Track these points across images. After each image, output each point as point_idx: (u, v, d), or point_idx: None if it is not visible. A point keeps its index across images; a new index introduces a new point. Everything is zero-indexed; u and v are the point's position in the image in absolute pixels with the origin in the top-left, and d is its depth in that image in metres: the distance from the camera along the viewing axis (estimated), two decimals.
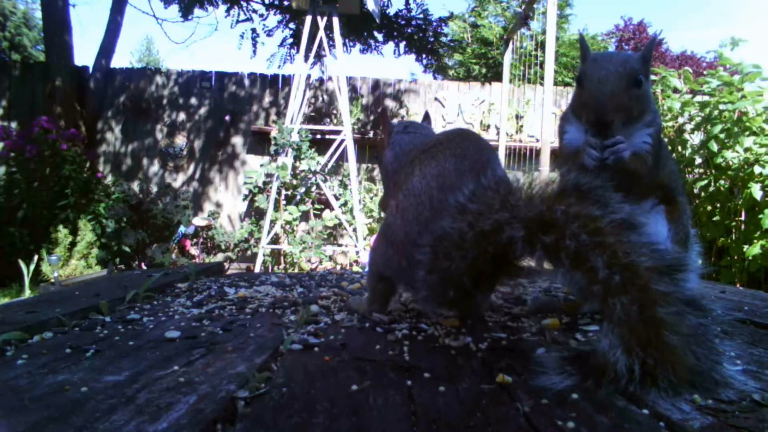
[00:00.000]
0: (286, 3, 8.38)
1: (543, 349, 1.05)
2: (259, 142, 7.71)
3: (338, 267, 6.57)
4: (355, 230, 6.43)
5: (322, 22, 6.27)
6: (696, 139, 4.56)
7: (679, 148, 4.51)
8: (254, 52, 8.71)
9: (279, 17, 8.72)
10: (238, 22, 8.62)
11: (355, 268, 6.05)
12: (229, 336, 1.17)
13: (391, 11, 8.64)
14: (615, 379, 0.82)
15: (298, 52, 6.96)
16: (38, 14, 15.54)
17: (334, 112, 7.76)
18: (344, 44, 8.09)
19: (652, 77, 4.70)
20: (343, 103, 6.34)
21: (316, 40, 6.33)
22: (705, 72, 4.55)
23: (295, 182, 6.66)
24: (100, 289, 1.76)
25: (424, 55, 8.99)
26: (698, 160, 4.44)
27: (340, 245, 7.20)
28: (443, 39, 9.41)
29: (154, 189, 7.61)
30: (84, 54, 13.96)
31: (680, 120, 4.60)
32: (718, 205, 4.19)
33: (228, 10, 8.49)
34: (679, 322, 0.82)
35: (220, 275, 2.35)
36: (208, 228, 7.39)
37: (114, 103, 7.77)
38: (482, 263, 1.11)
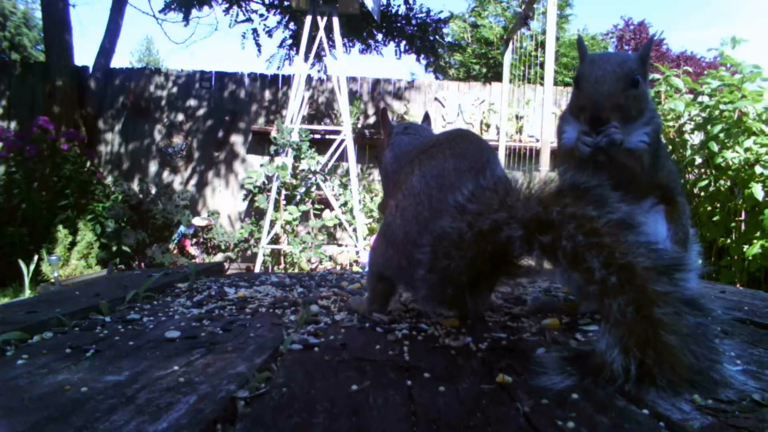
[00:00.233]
0: (286, 3, 8.38)
1: (543, 349, 1.05)
2: (259, 142, 7.71)
3: (338, 267, 6.57)
4: (355, 230, 6.43)
5: (322, 22, 6.27)
6: (696, 139, 4.56)
7: (680, 149, 4.51)
8: (259, 50, 8.72)
9: (278, 17, 8.73)
10: (236, 22, 8.62)
11: (355, 268, 6.05)
12: (229, 336, 1.17)
13: (392, 10, 8.63)
14: (611, 378, 0.82)
15: (297, 53, 6.96)
16: (38, 14, 15.55)
17: (334, 112, 7.76)
18: (344, 44, 8.09)
19: (656, 76, 4.70)
20: (343, 103, 6.34)
21: (316, 40, 6.33)
22: (705, 72, 4.55)
23: (295, 182, 6.66)
24: (100, 289, 1.76)
25: (424, 55, 8.98)
26: (698, 160, 4.44)
27: (340, 245, 7.20)
28: (443, 39, 9.40)
29: (154, 189, 7.61)
30: (84, 54, 13.97)
31: (681, 120, 4.60)
32: (718, 205, 4.19)
33: (227, 10, 8.49)
34: (677, 322, 0.82)
35: (220, 275, 2.35)
36: (208, 228, 7.39)
37: (114, 103, 7.77)
38: (481, 262, 1.11)
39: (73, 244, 5.99)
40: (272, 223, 6.47)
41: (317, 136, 6.91)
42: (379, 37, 8.79)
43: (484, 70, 12.29)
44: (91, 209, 6.33)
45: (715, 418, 0.74)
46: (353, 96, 7.74)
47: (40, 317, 1.28)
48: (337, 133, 6.64)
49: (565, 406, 0.78)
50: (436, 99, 8.01)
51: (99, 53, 7.67)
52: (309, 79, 7.14)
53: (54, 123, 6.57)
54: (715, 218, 4.14)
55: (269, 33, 8.74)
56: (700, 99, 4.41)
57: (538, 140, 6.72)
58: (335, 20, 6.24)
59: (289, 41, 8.88)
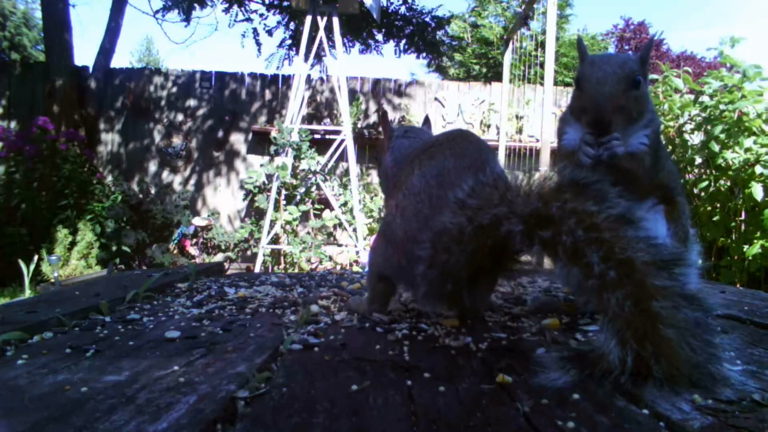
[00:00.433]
0: (285, 3, 8.38)
1: (543, 349, 1.05)
2: (259, 142, 7.71)
3: (338, 267, 6.57)
4: (355, 230, 6.43)
5: (322, 22, 6.27)
6: (696, 139, 4.56)
7: (680, 149, 4.51)
8: (258, 50, 8.72)
9: (278, 17, 8.73)
10: (236, 21, 8.63)
11: (355, 268, 6.05)
12: (229, 336, 1.17)
13: (391, 9, 8.62)
14: (608, 370, 0.83)
15: (297, 53, 6.96)
16: (38, 14, 15.55)
17: (334, 112, 7.76)
18: (344, 44, 8.09)
19: (655, 76, 4.70)
20: (343, 103, 6.34)
21: (316, 40, 6.33)
22: (705, 72, 4.55)
23: (295, 182, 6.66)
24: (100, 289, 1.76)
25: (425, 54, 8.97)
26: (698, 160, 4.44)
27: (340, 245, 7.20)
28: (444, 37, 9.38)
29: (154, 189, 7.61)
30: (84, 54, 13.97)
31: (680, 120, 4.60)
32: (718, 205, 4.19)
33: (227, 10, 8.49)
34: (675, 316, 0.83)
35: (220, 275, 2.35)
36: (208, 228, 7.39)
37: (114, 103, 7.77)
38: (481, 257, 1.12)
39: (73, 244, 5.99)
40: (272, 223, 6.47)
41: (317, 136, 6.91)
42: (379, 36, 8.79)
43: (484, 70, 12.29)
44: (91, 209, 6.33)
45: (715, 418, 0.74)
46: (353, 96, 7.74)
47: (40, 317, 1.28)
48: (337, 133, 6.64)
49: (565, 406, 0.78)
50: (436, 99, 8.01)
51: (99, 53, 7.67)
52: (309, 79, 7.14)
53: (54, 123, 6.57)
54: (715, 218, 4.14)
55: (269, 32, 8.74)
56: (700, 99, 4.41)
57: (538, 140, 6.72)
58: (335, 20, 6.24)
59: (289, 41, 8.88)
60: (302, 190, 6.71)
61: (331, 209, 6.73)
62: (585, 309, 1.40)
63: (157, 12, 8.18)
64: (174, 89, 7.88)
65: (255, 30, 8.63)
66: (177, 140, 7.79)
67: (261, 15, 8.64)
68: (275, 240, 6.72)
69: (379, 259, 1.35)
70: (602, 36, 15.00)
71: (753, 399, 0.80)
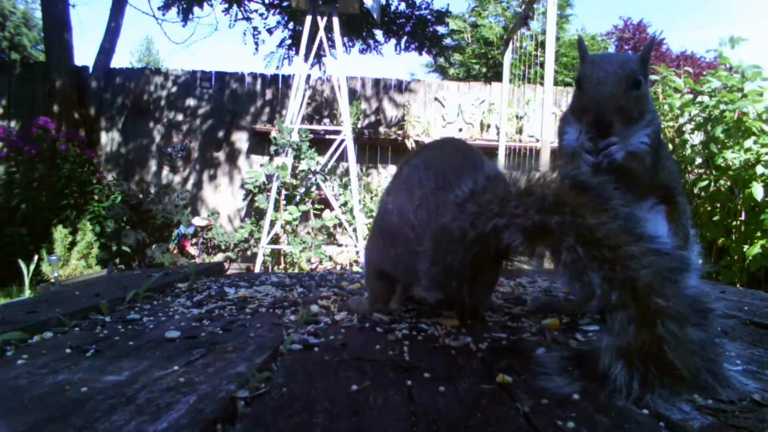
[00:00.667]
0: (285, 3, 8.38)
1: (543, 349, 1.05)
2: (259, 142, 7.71)
3: (338, 267, 6.57)
4: (355, 230, 6.43)
5: (322, 22, 6.27)
6: (696, 139, 4.56)
7: (680, 149, 4.51)
8: (256, 49, 8.72)
9: (278, 17, 8.73)
10: (236, 21, 8.63)
11: (355, 268, 6.05)
12: (229, 336, 1.17)
13: (391, 7, 8.60)
14: (614, 391, 0.81)
15: (297, 53, 6.96)
16: (38, 14, 15.56)
17: (334, 112, 7.76)
18: (344, 44, 8.09)
19: (653, 77, 4.70)
20: (343, 103, 6.35)
21: (316, 40, 6.33)
22: (705, 72, 4.55)
23: (295, 182, 6.66)
24: (100, 289, 1.76)
25: (426, 49, 8.94)
26: (698, 160, 4.44)
27: (340, 245, 7.20)
28: (445, 31, 9.35)
29: (154, 189, 7.61)
30: (84, 54, 13.97)
31: (680, 120, 4.60)
32: (718, 205, 4.19)
33: (227, 10, 8.49)
34: (681, 340, 0.81)
35: (220, 275, 2.35)
36: (208, 228, 7.39)
37: (114, 103, 7.77)
38: (484, 259, 1.12)
39: (73, 244, 5.99)
40: (272, 223, 6.47)
41: (317, 136, 6.91)
42: (380, 36, 8.79)
43: (484, 70, 12.29)
44: (91, 209, 6.34)
45: (715, 418, 0.74)
46: (353, 96, 7.74)
47: (40, 317, 1.28)
48: (337, 133, 6.64)
49: (565, 406, 0.78)
50: (436, 99, 8.01)
51: (99, 53, 7.67)
52: (309, 79, 7.14)
53: (54, 123, 6.57)
54: (715, 218, 4.14)
55: (270, 31, 8.74)
56: (699, 99, 4.41)
57: (538, 140, 6.72)
58: (335, 20, 6.24)
59: (289, 41, 8.88)
60: (302, 190, 6.71)
61: (331, 209, 6.73)
62: (585, 309, 1.40)
63: (160, 8, 8.16)
64: (174, 89, 7.88)
65: (255, 29, 8.64)
66: (177, 140, 7.79)
67: (261, 15, 8.65)
68: (275, 240, 6.72)
69: (375, 256, 1.35)
70: (602, 36, 15.00)
71: (753, 399, 0.80)
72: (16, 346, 1.09)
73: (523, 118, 7.76)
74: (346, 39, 8.34)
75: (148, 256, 6.82)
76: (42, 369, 0.93)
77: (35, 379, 0.87)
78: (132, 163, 7.78)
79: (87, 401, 0.77)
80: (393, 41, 8.79)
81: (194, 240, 7.33)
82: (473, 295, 1.24)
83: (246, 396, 0.79)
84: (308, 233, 6.84)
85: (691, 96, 4.55)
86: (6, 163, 6.44)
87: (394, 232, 1.27)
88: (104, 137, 7.76)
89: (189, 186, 7.78)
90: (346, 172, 6.89)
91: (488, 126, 7.91)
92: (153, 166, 7.80)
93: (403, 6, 8.66)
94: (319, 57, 7.67)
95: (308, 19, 6.19)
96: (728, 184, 4.13)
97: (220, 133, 7.83)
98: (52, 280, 5.30)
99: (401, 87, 8.08)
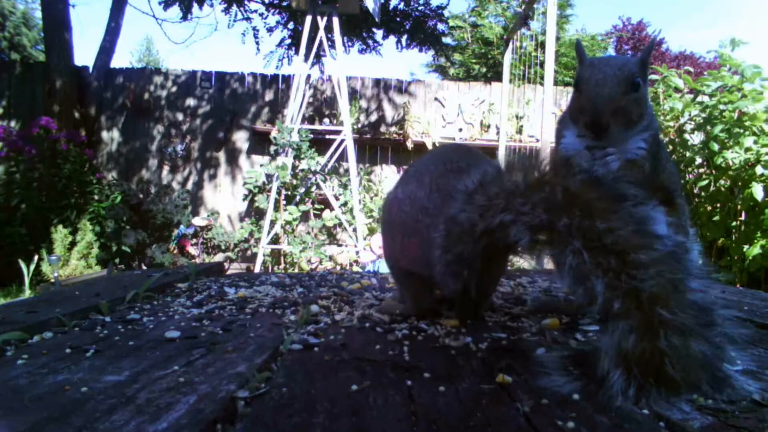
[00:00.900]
0: (285, 3, 8.39)
1: (543, 349, 1.04)
2: (260, 142, 7.71)
3: (338, 267, 6.57)
4: (355, 230, 6.43)
5: (322, 22, 6.27)
6: (696, 139, 4.56)
7: (680, 149, 4.51)
8: (258, 49, 8.73)
9: (278, 17, 8.73)
10: (235, 20, 8.63)
11: (355, 268, 6.05)
12: (229, 336, 1.17)
13: (391, 4, 8.59)
14: (612, 396, 0.81)
15: (296, 53, 6.96)
16: (38, 14, 15.56)
17: (334, 111, 7.76)
18: (344, 44, 8.09)
19: (654, 77, 4.70)
20: (343, 103, 6.35)
21: (316, 40, 6.33)
22: (706, 72, 4.55)
23: (295, 182, 6.66)
24: (100, 289, 1.76)
25: (427, 47, 8.94)
26: (698, 160, 4.44)
27: (340, 245, 7.20)
28: (445, 28, 9.35)
29: (154, 189, 7.62)
30: (84, 54, 13.97)
31: (681, 120, 4.60)
32: (718, 205, 4.19)
33: (226, 10, 8.50)
34: (683, 354, 0.80)
35: (220, 275, 2.35)
36: (208, 228, 7.39)
37: (114, 103, 7.77)
38: (493, 250, 1.10)
39: (73, 244, 5.99)
40: (272, 223, 6.48)
41: (317, 136, 6.92)
42: (379, 35, 8.79)
43: (484, 70, 12.29)
44: (91, 209, 6.34)
45: (715, 418, 0.74)
46: (353, 96, 7.75)
47: (40, 317, 1.28)
48: (337, 133, 6.64)
49: (565, 406, 0.78)
50: (436, 99, 8.01)
51: (99, 53, 7.67)
52: (309, 78, 7.15)
53: (54, 123, 6.57)
54: (715, 218, 4.14)
55: (269, 30, 8.74)
56: (700, 99, 4.41)
57: (538, 140, 6.72)
58: (335, 20, 6.24)
59: (288, 41, 8.88)
60: (302, 190, 6.71)
61: (331, 209, 6.73)
62: (585, 310, 1.40)
63: (159, 3, 8.15)
64: (174, 89, 7.88)
65: (255, 28, 8.64)
66: (177, 140, 7.79)
67: (261, 14, 8.65)
68: (275, 240, 6.72)
69: (393, 255, 1.33)
70: (602, 36, 15.01)
71: (753, 399, 0.80)
72: (16, 346, 1.09)
73: (523, 118, 7.76)
74: (345, 39, 8.34)
75: (148, 256, 6.82)
76: (42, 369, 0.93)
77: (35, 379, 0.87)
78: (132, 163, 7.78)
79: (87, 401, 0.77)
80: (393, 39, 8.79)
81: (194, 240, 7.33)
82: (481, 288, 1.23)
83: (246, 396, 0.79)
84: (308, 233, 6.84)
85: (691, 96, 4.55)
86: (6, 163, 6.44)
87: (407, 222, 1.25)
88: (104, 137, 7.76)
89: (189, 186, 7.78)
90: (346, 172, 6.89)
91: (488, 126, 7.91)
92: (153, 166, 7.80)
93: (402, 5, 8.66)
94: (318, 57, 7.68)
95: (308, 19, 6.19)
96: (728, 184, 4.13)
97: (221, 133, 7.83)
98: (52, 280, 5.30)
99: (401, 87, 8.08)
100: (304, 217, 6.93)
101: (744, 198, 3.87)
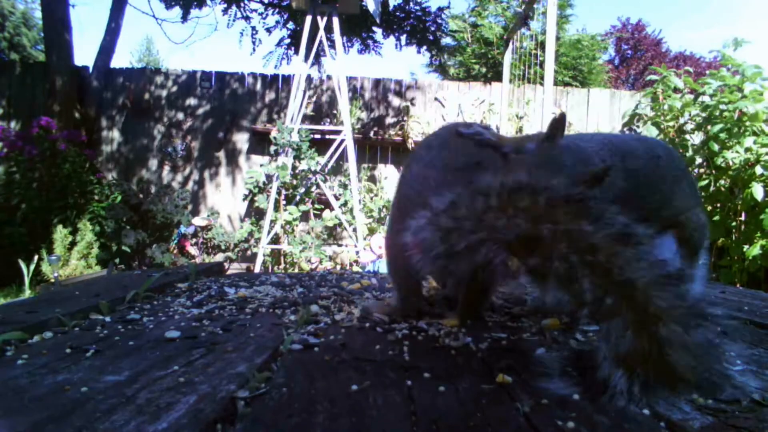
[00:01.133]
0: (285, 2, 8.38)
1: (543, 349, 1.05)
2: (259, 142, 7.71)
3: (338, 267, 6.57)
4: (355, 230, 6.43)
5: (321, 22, 6.27)
6: (696, 139, 4.56)
7: (680, 149, 4.51)
8: (254, 49, 8.71)
9: (277, 17, 8.73)
10: (235, 20, 8.63)
11: (355, 268, 6.05)
12: (229, 336, 1.17)
13: (391, 3, 8.59)
14: (614, 396, 0.80)
15: (296, 52, 6.96)
16: (38, 14, 15.56)
17: (334, 112, 7.76)
18: (343, 44, 8.09)
19: (653, 77, 4.70)
20: (343, 103, 6.35)
21: (316, 40, 6.33)
22: (706, 72, 4.55)
23: (295, 182, 6.66)
24: (100, 289, 1.76)
25: (426, 47, 8.93)
26: (698, 160, 4.44)
27: (340, 245, 7.20)
28: (444, 28, 9.34)
29: (154, 189, 7.61)
30: (84, 54, 13.96)
31: (681, 120, 4.60)
32: (719, 205, 4.19)
33: (226, 10, 8.49)
34: (682, 342, 0.78)
35: (220, 275, 2.35)
36: (208, 228, 7.39)
37: (114, 103, 7.77)
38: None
39: (73, 244, 5.99)
40: (272, 223, 6.47)
41: (317, 136, 6.91)
42: (379, 35, 8.79)
43: (484, 70, 12.28)
44: (91, 209, 6.33)
45: (715, 418, 0.74)
46: (353, 96, 7.75)
47: (40, 317, 1.28)
48: (338, 133, 6.64)
49: (565, 406, 0.78)
50: (436, 99, 8.01)
51: (99, 53, 7.67)
52: (309, 78, 7.14)
53: (54, 123, 6.57)
54: (715, 218, 4.14)
55: (269, 30, 8.73)
56: (700, 99, 4.41)
57: None
58: (335, 20, 6.24)
59: (288, 40, 8.88)
60: (302, 190, 6.71)
61: (331, 209, 6.73)
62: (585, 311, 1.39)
63: (167, 8, 8.15)
64: (174, 89, 7.88)
65: (253, 28, 8.63)
66: (177, 140, 7.79)
67: (260, 14, 8.65)
68: (275, 240, 6.72)
69: (398, 252, 1.32)
70: (602, 36, 15.01)
71: (753, 399, 0.80)
72: (16, 346, 1.09)
73: (523, 118, 7.76)
74: (345, 39, 8.34)
75: (148, 256, 6.82)
76: (42, 369, 0.93)
77: (35, 379, 0.87)
78: (132, 163, 7.77)
79: (87, 401, 0.77)
80: (392, 39, 8.79)
81: (194, 240, 7.33)
82: (468, 297, 1.22)
83: (246, 396, 0.79)
84: (308, 233, 6.84)
85: (691, 96, 4.55)
86: (6, 163, 6.43)
87: (416, 203, 1.15)
88: (104, 137, 7.76)
89: (189, 186, 7.78)
90: (346, 172, 6.89)
91: (488, 126, 7.90)
92: (153, 165, 7.79)
93: (401, 2, 8.67)
94: (318, 57, 7.67)
95: (308, 19, 6.19)
96: (728, 184, 4.13)
97: (221, 133, 7.83)
98: (52, 280, 5.30)
99: (401, 87, 8.07)
100: (304, 217, 6.93)
101: (744, 198, 3.87)
